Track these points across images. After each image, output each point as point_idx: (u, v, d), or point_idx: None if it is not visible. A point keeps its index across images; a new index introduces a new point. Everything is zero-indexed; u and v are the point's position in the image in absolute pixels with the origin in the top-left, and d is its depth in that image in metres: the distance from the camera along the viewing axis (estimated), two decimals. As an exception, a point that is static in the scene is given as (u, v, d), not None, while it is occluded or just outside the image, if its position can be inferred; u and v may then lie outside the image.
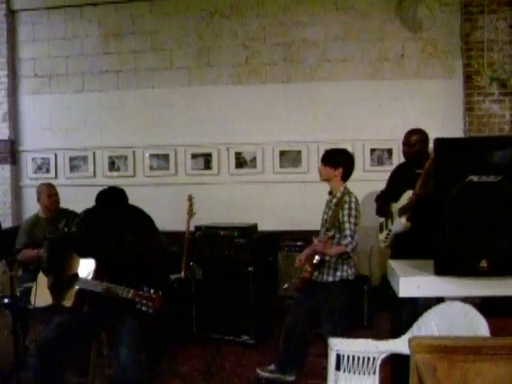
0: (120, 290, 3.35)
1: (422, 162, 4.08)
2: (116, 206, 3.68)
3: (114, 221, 3.64)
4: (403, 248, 4.28)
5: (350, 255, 3.92)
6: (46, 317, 4.02)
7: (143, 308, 3.27)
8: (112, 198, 3.70)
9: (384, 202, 4.58)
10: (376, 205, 4.71)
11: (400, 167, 4.73)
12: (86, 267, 3.55)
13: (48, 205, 5.03)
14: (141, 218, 3.84)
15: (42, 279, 3.66)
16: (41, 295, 3.66)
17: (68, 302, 3.48)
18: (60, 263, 3.61)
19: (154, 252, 3.69)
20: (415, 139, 4.40)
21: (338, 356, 2.86)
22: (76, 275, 3.54)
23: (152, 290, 3.30)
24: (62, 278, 3.54)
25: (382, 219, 4.64)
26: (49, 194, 5.05)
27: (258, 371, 4.23)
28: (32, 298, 3.68)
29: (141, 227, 3.78)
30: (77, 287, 3.49)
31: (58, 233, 3.78)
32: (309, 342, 4.25)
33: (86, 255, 3.59)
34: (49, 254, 3.65)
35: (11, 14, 6.75)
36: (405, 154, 4.55)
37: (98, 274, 3.50)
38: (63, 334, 3.37)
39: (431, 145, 3.12)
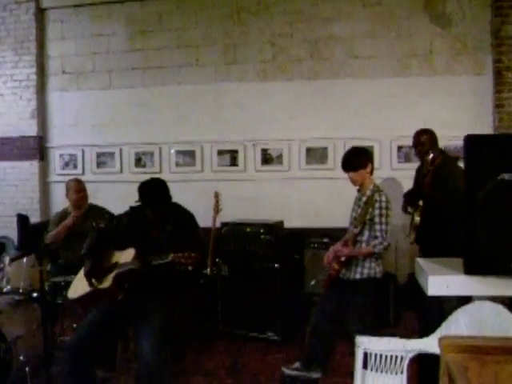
0: (160, 257, 3.44)
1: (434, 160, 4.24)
2: (159, 198, 3.72)
3: (156, 212, 3.71)
4: (423, 242, 4.42)
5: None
6: (75, 311, 4.08)
7: (183, 268, 3.38)
8: (155, 190, 3.73)
9: (406, 200, 4.62)
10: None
11: (418, 168, 4.74)
12: (124, 256, 3.60)
13: (76, 200, 5.07)
14: (182, 211, 3.91)
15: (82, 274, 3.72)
16: (77, 288, 3.71)
17: (106, 285, 3.53)
18: (101, 252, 3.70)
19: (191, 243, 3.71)
20: (424, 139, 4.50)
21: (365, 354, 2.83)
22: (115, 264, 3.61)
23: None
24: (101, 266, 3.61)
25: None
26: (76, 189, 5.09)
27: (283, 369, 4.23)
28: (70, 291, 3.75)
29: (182, 219, 3.83)
30: (115, 271, 3.54)
31: (106, 224, 3.86)
32: (335, 339, 4.23)
33: (127, 246, 3.65)
34: (94, 240, 3.76)
35: (40, 12, 6.85)
36: (417, 154, 4.63)
37: (137, 257, 3.56)
38: (94, 332, 3.39)
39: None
